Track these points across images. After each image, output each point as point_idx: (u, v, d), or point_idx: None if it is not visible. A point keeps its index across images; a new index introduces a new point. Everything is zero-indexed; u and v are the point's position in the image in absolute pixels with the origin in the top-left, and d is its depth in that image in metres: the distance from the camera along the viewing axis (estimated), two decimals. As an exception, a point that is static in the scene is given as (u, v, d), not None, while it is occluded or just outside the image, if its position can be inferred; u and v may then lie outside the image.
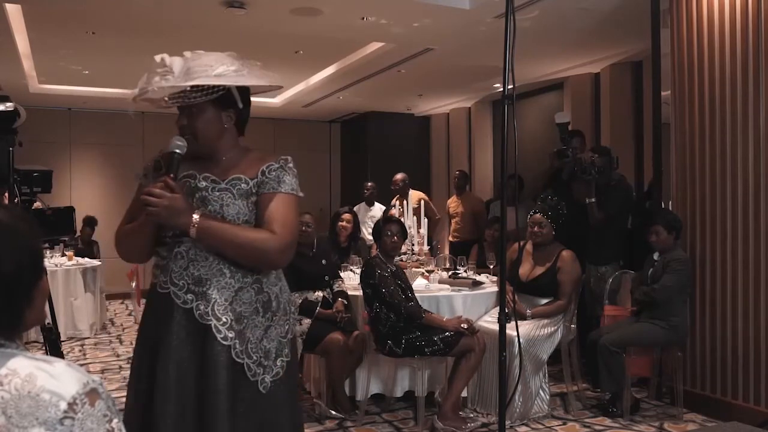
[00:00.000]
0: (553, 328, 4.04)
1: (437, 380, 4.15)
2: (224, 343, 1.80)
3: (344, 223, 5.29)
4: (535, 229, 4.22)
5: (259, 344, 1.85)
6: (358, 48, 6.60)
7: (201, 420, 1.78)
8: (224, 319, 1.81)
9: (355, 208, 6.18)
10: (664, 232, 4.00)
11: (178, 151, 1.83)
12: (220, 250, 1.83)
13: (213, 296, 1.82)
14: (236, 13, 4.90)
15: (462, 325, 3.70)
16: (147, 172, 1.94)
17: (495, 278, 4.61)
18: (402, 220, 4.64)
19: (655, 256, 4.06)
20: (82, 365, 3.08)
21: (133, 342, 1.97)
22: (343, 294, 4.23)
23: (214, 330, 1.80)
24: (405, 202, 5.65)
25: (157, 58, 1.82)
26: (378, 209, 7.14)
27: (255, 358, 1.83)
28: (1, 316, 1.01)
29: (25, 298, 1.04)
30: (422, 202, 6.77)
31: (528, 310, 4.07)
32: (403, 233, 4.13)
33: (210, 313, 1.81)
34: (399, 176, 7.06)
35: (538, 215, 4.23)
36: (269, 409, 1.86)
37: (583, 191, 4.69)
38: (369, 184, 7.33)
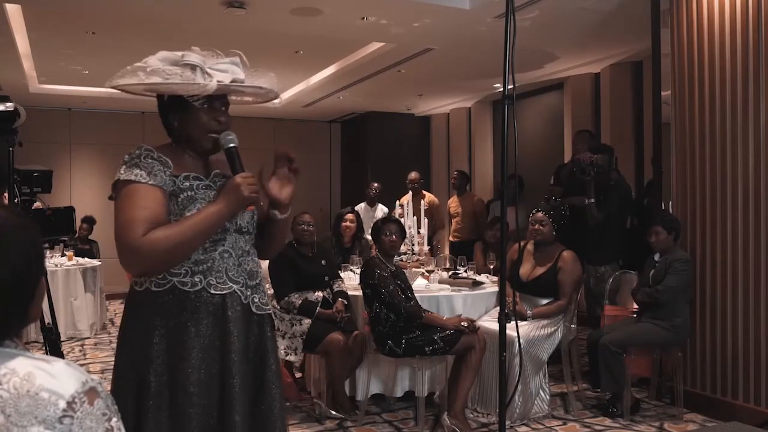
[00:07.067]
0: (553, 329, 4.03)
1: (437, 380, 4.14)
2: (276, 329, 1.90)
3: (348, 224, 5.32)
4: (536, 227, 4.21)
5: None
6: (358, 48, 6.60)
7: (262, 402, 1.81)
8: (270, 306, 1.91)
9: (356, 208, 6.18)
10: (664, 233, 4.00)
11: (234, 144, 1.81)
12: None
13: (264, 286, 1.89)
14: (236, 13, 4.90)
15: (462, 323, 3.70)
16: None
17: (495, 278, 4.61)
18: (402, 220, 4.64)
19: (656, 257, 4.06)
20: (82, 365, 3.08)
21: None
22: (343, 294, 4.22)
23: (271, 318, 1.88)
24: (408, 201, 5.64)
25: (198, 51, 1.80)
26: (379, 210, 7.14)
27: None
28: (2, 315, 1.01)
29: (27, 297, 1.05)
30: (431, 204, 6.76)
31: (529, 311, 4.07)
32: (402, 233, 4.12)
33: (268, 303, 1.88)
34: (415, 175, 7.13)
35: (539, 214, 4.23)
36: None
37: (581, 191, 4.69)
38: (375, 184, 7.33)
